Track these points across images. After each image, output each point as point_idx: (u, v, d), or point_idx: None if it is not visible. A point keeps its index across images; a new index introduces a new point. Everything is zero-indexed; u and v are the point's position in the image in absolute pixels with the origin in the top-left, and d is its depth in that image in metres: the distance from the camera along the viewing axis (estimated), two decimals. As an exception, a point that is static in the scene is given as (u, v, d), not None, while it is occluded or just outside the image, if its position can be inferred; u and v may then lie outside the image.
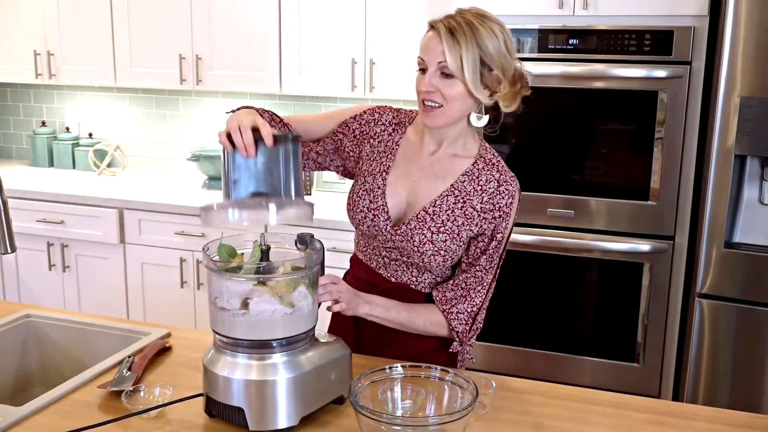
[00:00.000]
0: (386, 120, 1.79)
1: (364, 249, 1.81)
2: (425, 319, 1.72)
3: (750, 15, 2.43)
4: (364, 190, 1.75)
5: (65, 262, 3.69)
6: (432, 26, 1.62)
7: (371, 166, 1.77)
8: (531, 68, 2.75)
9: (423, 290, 1.77)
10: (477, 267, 1.71)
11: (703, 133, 2.71)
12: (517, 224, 2.89)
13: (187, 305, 3.52)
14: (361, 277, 1.81)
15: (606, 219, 2.85)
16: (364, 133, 1.79)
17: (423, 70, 1.63)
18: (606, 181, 2.84)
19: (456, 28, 1.57)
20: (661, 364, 2.90)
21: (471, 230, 1.70)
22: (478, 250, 1.71)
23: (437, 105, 1.61)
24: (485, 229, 1.70)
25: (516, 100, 1.67)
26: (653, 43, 2.68)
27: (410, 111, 1.83)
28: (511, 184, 1.71)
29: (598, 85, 2.77)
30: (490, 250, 1.71)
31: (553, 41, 2.79)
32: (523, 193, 2.91)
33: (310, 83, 3.47)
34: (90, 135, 4.30)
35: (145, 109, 4.19)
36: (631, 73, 2.70)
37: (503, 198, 1.69)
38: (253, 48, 3.51)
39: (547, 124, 2.90)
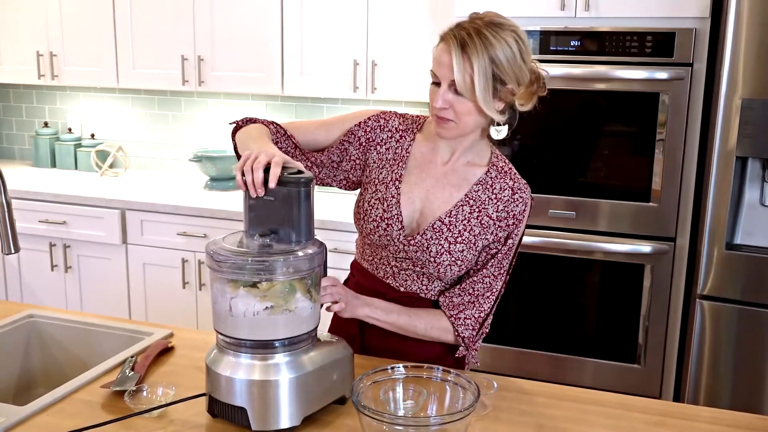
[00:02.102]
0: (392, 126, 1.76)
1: (371, 258, 1.77)
2: (427, 324, 1.71)
3: (751, 17, 2.43)
4: (376, 199, 1.71)
5: (67, 262, 3.69)
6: (443, 38, 1.57)
7: (381, 174, 1.74)
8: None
9: (432, 298, 1.75)
10: (486, 273, 1.70)
11: (705, 134, 2.71)
12: (518, 225, 2.90)
13: (189, 306, 3.52)
14: (366, 285, 1.77)
15: (607, 220, 2.85)
16: (370, 140, 1.75)
17: (436, 83, 1.60)
18: (607, 183, 2.85)
19: (467, 42, 1.52)
20: (662, 366, 2.90)
21: (486, 239, 1.68)
22: (489, 256, 1.70)
23: (450, 120, 1.59)
24: (500, 237, 1.69)
25: (532, 99, 1.63)
26: (655, 44, 2.69)
27: (417, 117, 1.79)
28: (524, 192, 1.70)
29: (600, 86, 2.77)
30: (500, 256, 1.70)
31: (554, 43, 2.80)
32: (524, 194, 2.90)
33: (311, 84, 3.47)
34: (92, 136, 4.31)
35: (147, 110, 4.20)
36: (632, 74, 2.71)
37: (517, 206, 1.68)
38: (256, 49, 3.52)
39: (548, 125, 2.90)
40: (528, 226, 2.87)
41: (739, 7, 2.44)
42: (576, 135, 2.87)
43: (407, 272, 1.72)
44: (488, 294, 1.71)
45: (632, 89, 2.74)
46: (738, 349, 2.63)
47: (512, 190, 1.69)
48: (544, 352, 3.01)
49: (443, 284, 1.74)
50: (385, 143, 1.75)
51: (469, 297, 1.70)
